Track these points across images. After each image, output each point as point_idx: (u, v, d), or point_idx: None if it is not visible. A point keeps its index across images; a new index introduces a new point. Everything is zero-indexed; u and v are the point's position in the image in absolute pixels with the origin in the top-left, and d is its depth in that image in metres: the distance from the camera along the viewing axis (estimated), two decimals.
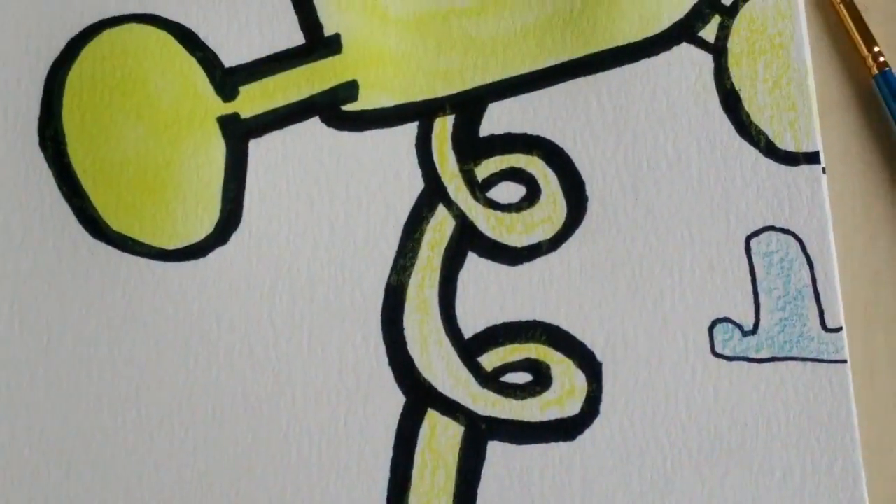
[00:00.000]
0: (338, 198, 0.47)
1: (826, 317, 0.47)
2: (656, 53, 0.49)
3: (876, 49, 0.50)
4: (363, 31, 0.48)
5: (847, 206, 0.49)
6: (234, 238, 0.47)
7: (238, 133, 0.48)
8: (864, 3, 0.51)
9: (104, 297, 0.46)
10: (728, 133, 0.48)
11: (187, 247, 0.47)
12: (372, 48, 0.48)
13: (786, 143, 0.48)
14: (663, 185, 0.48)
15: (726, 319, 0.47)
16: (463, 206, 0.48)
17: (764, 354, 0.47)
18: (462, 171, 0.48)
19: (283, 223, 0.47)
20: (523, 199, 0.48)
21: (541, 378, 0.47)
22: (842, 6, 0.51)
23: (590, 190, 0.48)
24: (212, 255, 0.47)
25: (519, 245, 0.47)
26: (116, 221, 0.47)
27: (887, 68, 0.50)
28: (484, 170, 0.48)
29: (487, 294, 0.47)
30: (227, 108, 0.48)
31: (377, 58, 0.48)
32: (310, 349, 0.46)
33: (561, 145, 0.48)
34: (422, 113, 0.48)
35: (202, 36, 0.48)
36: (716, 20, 0.49)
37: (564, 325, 0.47)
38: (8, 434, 0.45)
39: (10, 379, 0.46)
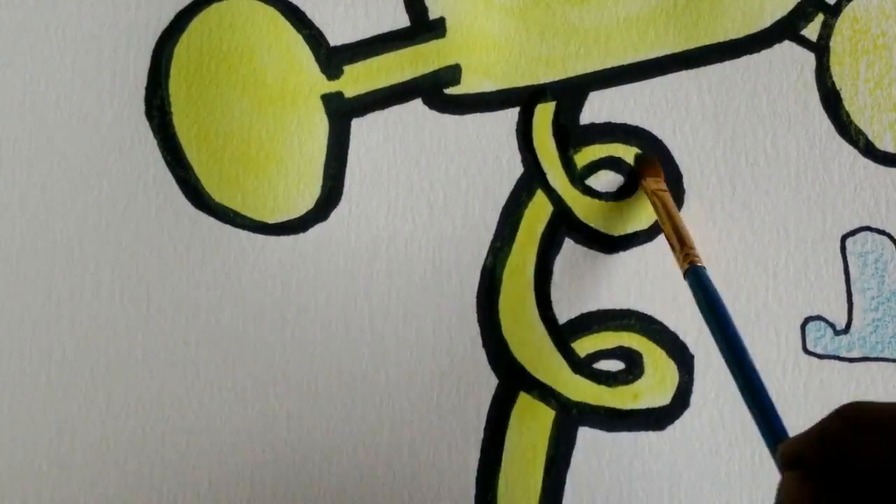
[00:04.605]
0: (437, 180, 0.48)
1: None
2: (758, 50, 0.49)
3: None
4: (467, 15, 0.49)
5: None
6: (334, 215, 0.47)
7: (341, 111, 0.48)
8: None
9: (204, 268, 0.47)
10: (827, 132, 0.48)
11: (287, 221, 0.47)
12: (475, 33, 0.49)
13: (885, 144, 0.48)
14: (761, 181, 0.48)
15: (819, 317, 0.47)
16: (561, 193, 0.48)
17: (855, 354, 0.47)
18: (561, 157, 0.48)
19: (383, 202, 0.48)
20: (621, 188, 0.48)
21: (633, 366, 0.47)
22: None
23: (687, 182, 0.48)
24: (311, 231, 0.47)
25: (615, 233, 0.48)
26: (219, 193, 0.47)
27: None
28: (583, 157, 0.48)
29: (583, 281, 0.47)
30: (332, 87, 0.48)
31: (480, 42, 0.49)
32: (405, 328, 0.47)
33: (660, 137, 0.48)
34: (523, 99, 0.48)
35: (308, 13, 0.49)
36: (819, 19, 0.49)
37: (658, 316, 0.47)
38: (105, 400, 0.46)
39: (109, 345, 0.46)
